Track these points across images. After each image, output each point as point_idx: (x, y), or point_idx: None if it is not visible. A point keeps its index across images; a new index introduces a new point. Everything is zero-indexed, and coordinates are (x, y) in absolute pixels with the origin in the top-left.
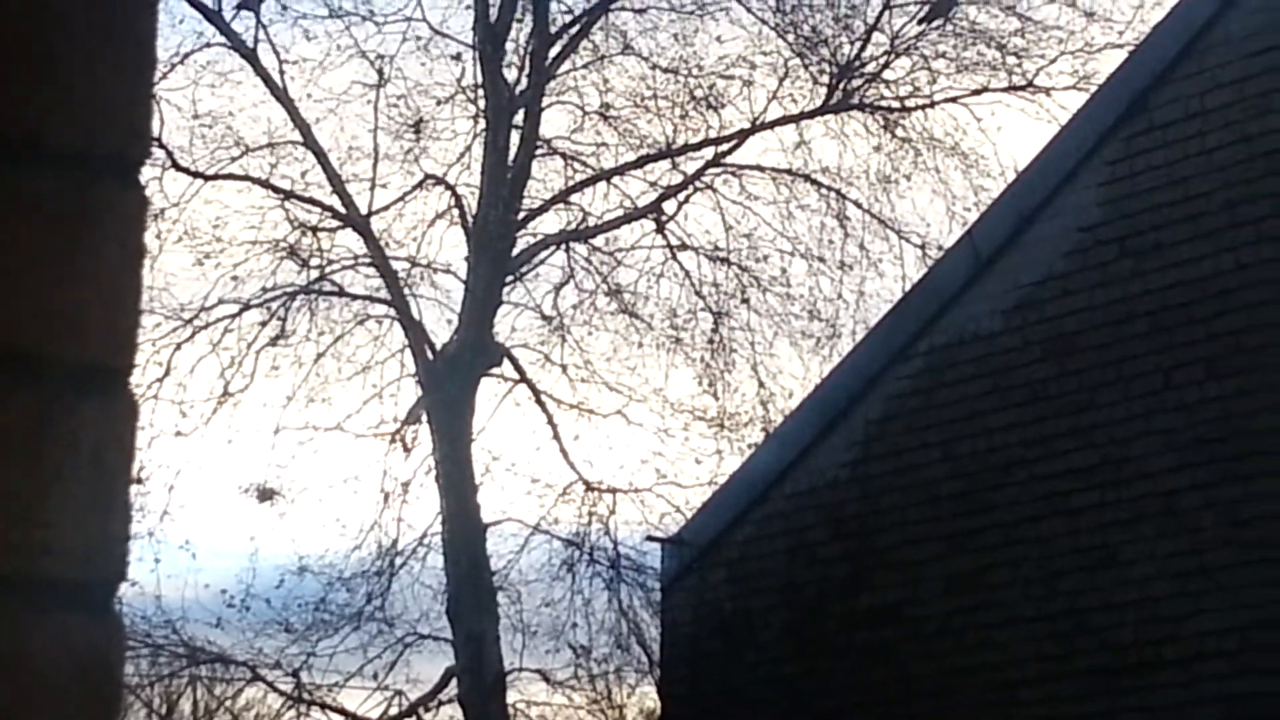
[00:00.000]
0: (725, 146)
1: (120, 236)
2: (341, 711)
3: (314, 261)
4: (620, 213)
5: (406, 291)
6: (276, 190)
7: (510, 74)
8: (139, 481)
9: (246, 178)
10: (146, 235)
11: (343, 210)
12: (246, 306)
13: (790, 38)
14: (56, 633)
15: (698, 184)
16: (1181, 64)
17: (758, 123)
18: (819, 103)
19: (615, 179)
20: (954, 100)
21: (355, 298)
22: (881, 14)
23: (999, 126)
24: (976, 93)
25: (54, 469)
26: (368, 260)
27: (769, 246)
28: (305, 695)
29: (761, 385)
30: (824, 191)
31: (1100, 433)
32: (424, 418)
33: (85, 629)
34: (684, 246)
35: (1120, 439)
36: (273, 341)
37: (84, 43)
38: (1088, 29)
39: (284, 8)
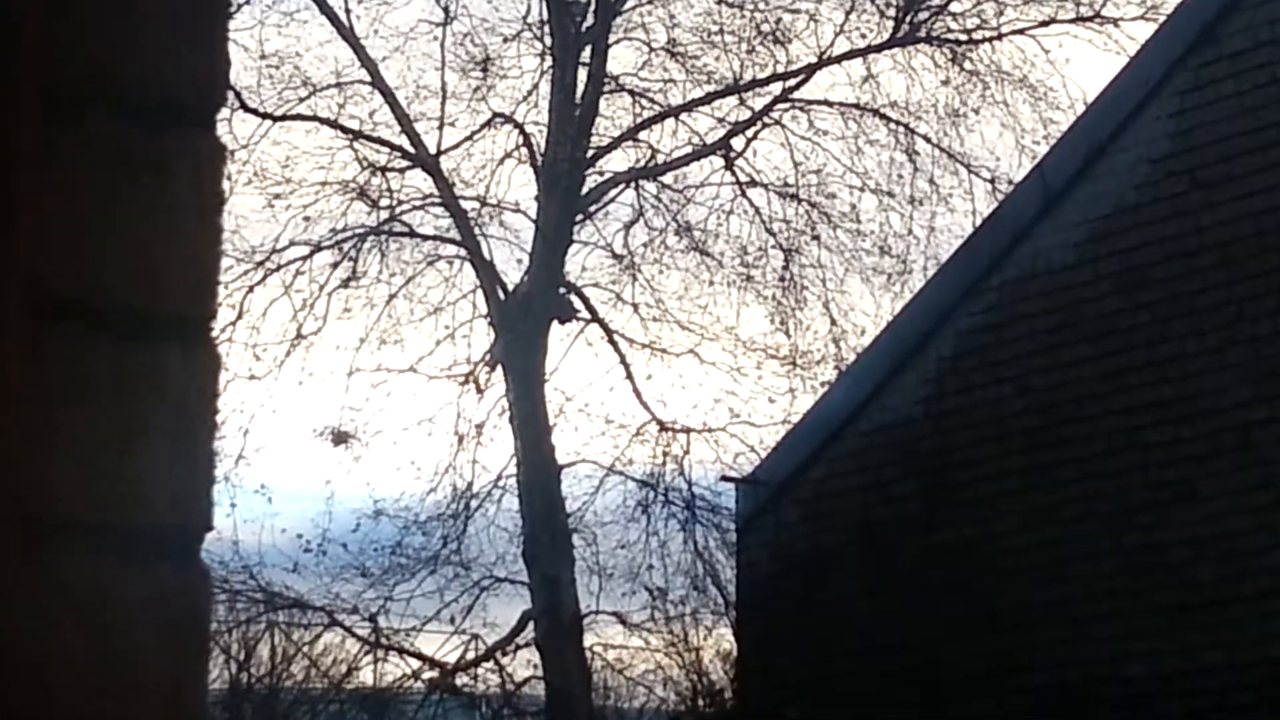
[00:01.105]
0: (793, 82)
1: (197, 184)
2: (419, 656)
3: (384, 202)
4: (689, 150)
5: (477, 231)
6: (345, 130)
7: (575, 10)
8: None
9: (315, 118)
10: (223, 182)
11: (411, 150)
12: (318, 248)
13: None
14: (145, 582)
15: (766, 120)
16: None
17: (825, 57)
18: (886, 36)
19: (683, 115)
20: (1021, 32)
21: (426, 238)
22: None
23: (1067, 58)
24: (1044, 24)
25: (139, 420)
26: (437, 200)
27: (838, 182)
28: (382, 640)
29: (833, 322)
30: (893, 126)
31: (1173, 366)
32: (497, 359)
33: (172, 578)
34: (753, 183)
35: (1193, 372)
36: (344, 283)
37: None
38: None
39: None
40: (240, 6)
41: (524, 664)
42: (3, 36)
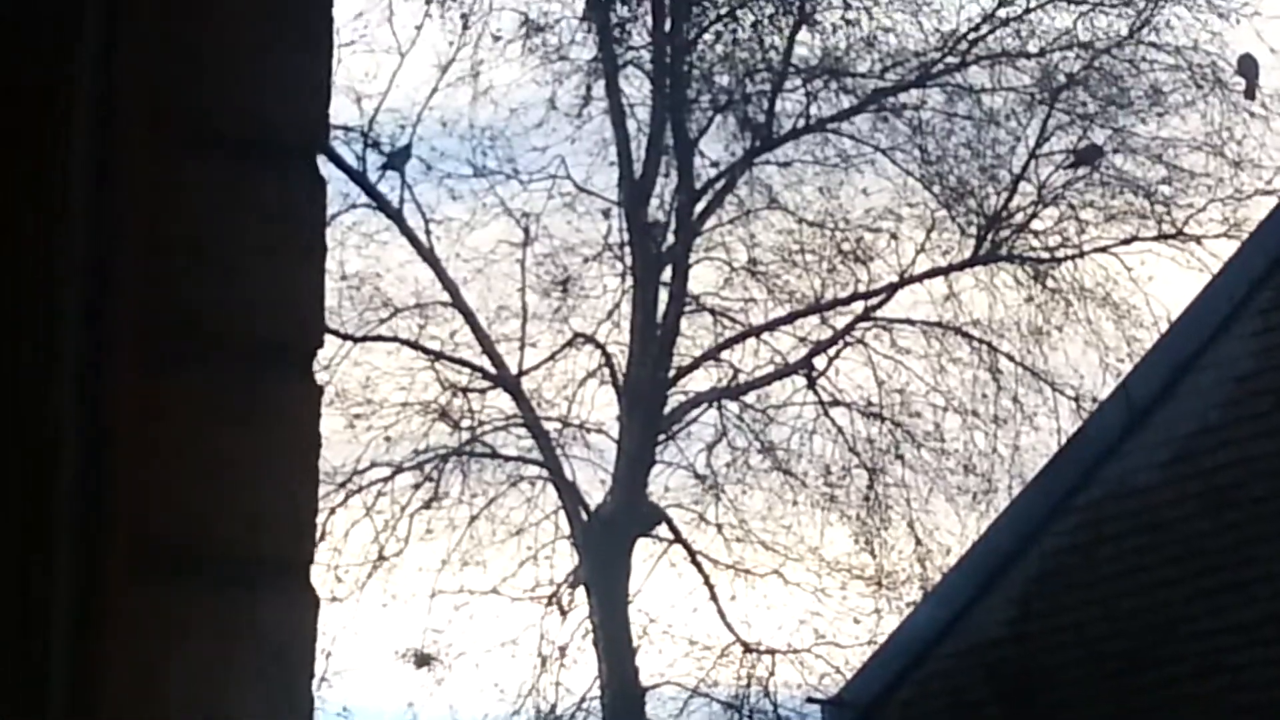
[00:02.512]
0: (874, 300)
1: (296, 429)
2: None
3: (465, 423)
4: (771, 369)
5: (559, 452)
6: (426, 351)
7: (656, 230)
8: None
9: (396, 339)
10: (319, 425)
11: (493, 370)
12: (399, 469)
13: (937, 189)
14: None
15: (848, 338)
16: None
17: (906, 275)
18: (967, 254)
19: (765, 335)
20: (1103, 250)
21: (508, 459)
22: (1028, 164)
23: (1150, 275)
24: (1126, 242)
25: (239, 667)
26: (519, 421)
27: (921, 401)
28: None
29: (918, 542)
30: (975, 344)
31: (1261, 586)
32: (581, 580)
33: None
34: (836, 403)
35: None
36: (426, 504)
37: (255, 237)
38: (1237, 176)
39: (429, 168)
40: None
41: None
42: (101, 286)
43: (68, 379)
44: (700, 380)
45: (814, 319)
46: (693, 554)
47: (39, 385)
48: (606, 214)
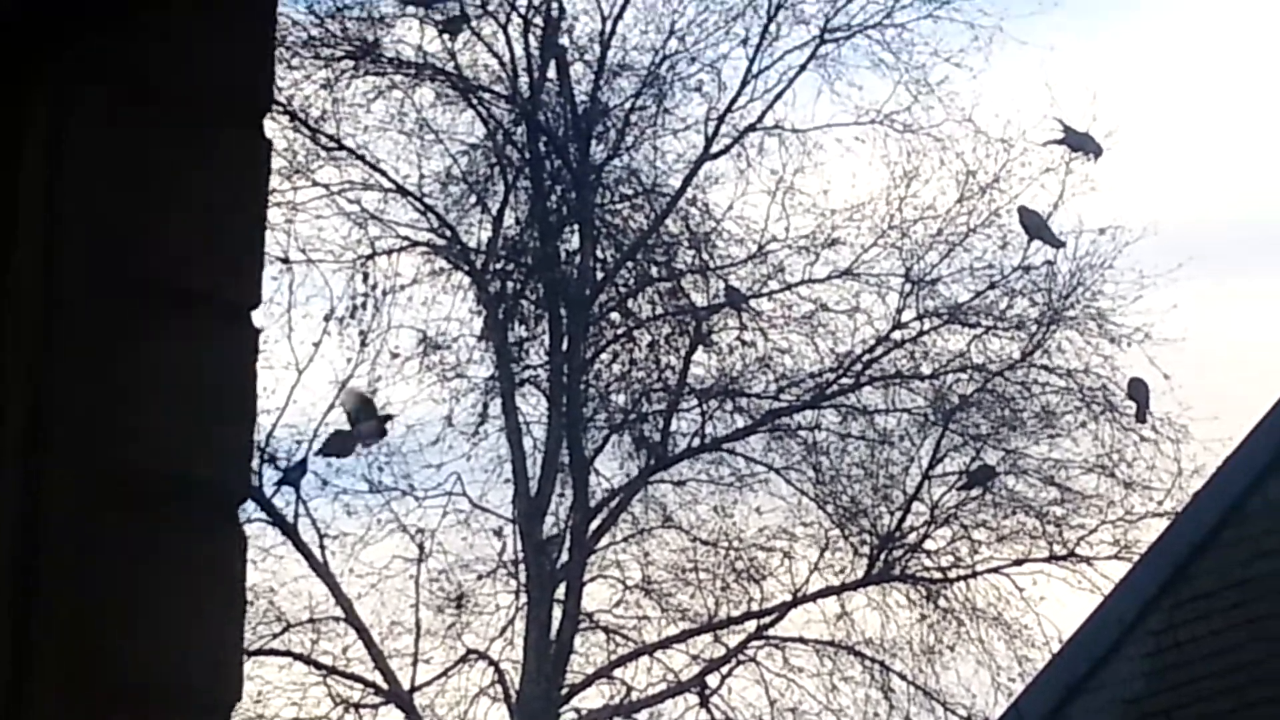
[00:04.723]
0: (767, 619)
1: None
2: None
3: None
4: (664, 687)
5: None
6: (319, 666)
7: (551, 548)
8: None
9: (289, 653)
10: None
11: (385, 686)
12: None
13: (830, 509)
14: None
15: (741, 657)
16: (1223, 531)
17: (800, 594)
18: (860, 573)
19: (658, 653)
20: (996, 570)
21: None
22: (921, 484)
23: (1041, 596)
24: (1018, 562)
25: None
26: None
27: (814, 719)
28: None
29: None
30: (868, 663)
31: None
32: None
33: None
34: None
35: None
36: None
37: (177, 590)
38: (1127, 498)
39: (324, 483)
40: None
41: None
42: (24, 639)
43: None
44: (593, 698)
45: (707, 637)
46: None
47: None
48: (500, 532)
